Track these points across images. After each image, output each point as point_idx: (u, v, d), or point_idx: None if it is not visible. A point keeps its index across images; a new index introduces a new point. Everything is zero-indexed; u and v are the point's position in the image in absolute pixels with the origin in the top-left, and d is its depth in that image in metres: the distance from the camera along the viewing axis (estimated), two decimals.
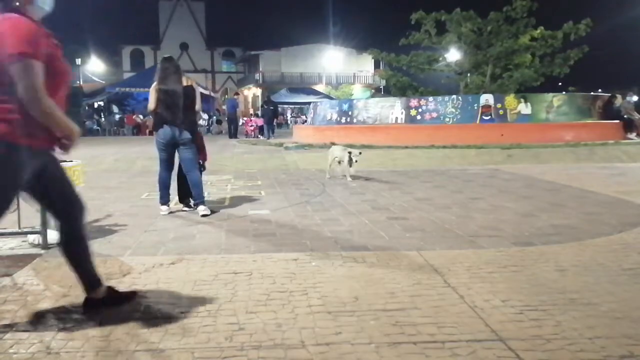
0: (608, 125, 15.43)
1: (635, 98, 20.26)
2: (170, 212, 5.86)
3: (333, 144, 15.04)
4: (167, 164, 5.88)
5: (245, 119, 26.12)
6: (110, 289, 3.05)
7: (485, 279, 3.44)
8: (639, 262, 3.82)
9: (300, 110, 45.17)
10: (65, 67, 2.68)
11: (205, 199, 6.04)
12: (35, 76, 2.43)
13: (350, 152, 8.49)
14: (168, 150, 5.78)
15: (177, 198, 6.24)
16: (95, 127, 31.56)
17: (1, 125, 2.45)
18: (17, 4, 2.53)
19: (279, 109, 36.29)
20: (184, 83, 5.73)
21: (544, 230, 4.87)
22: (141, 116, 30.50)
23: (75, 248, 2.90)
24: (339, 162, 8.69)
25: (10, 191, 2.60)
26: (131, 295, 3.13)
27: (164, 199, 5.91)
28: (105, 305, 2.95)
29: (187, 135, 5.71)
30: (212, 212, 5.87)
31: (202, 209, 5.78)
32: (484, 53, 18.22)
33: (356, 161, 8.43)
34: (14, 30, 2.42)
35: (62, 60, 2.65)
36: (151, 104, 5.70)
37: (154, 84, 5.65)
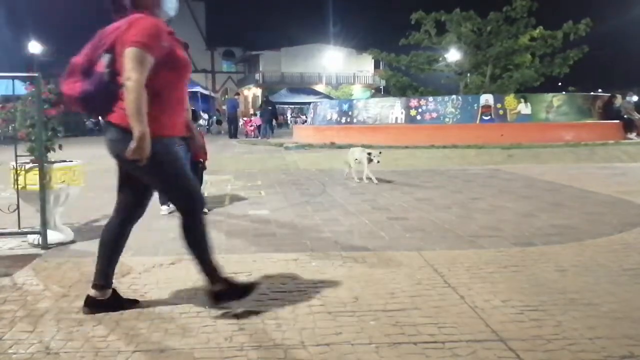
0: (608, 125, 15.43)
1: (635, 98, 20.27)
2: (170, 212, 5.85)
3: (332, 143, 15.09)
4: None
5: (245, 119, 26.13)
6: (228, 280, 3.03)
7: (486, 279, 3.44)
8: (639, 262, 3.81)
9: (300, 110, 45.19)
10: (186, 60, 2.92)
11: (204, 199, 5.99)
12: (142, 66, 2.59)
13: (369, 153, 8.20)
14: None
15: None
16: (96, 127, 31.52)
17: (154, 125, 2.65)
18: (145, 6, 2.81)
19: (280, 108, 36.36)
20: None
21: (544, 230, 4.86)
22: None
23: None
24: (359, 164, 8.41)
25: (185, 173, 2.92)
26: (251, 287, 3.09)
27: (164, 199, 5.90)
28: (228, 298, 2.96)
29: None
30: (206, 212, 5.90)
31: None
32: (484, 53, 18.22)
33: (378, 162, 8.11)
34: (139, 24, 2.66)
35: (183, 53, 2.87)
36: None
37: None
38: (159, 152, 2.70)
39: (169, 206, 5.89)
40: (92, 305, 2.91)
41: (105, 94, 2.71)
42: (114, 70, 2.69)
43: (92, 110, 2.98)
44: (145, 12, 2.77)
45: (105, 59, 2.71)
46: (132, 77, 2.56)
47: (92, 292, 2.92)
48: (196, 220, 2.99)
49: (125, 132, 2.64)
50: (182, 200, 2.97)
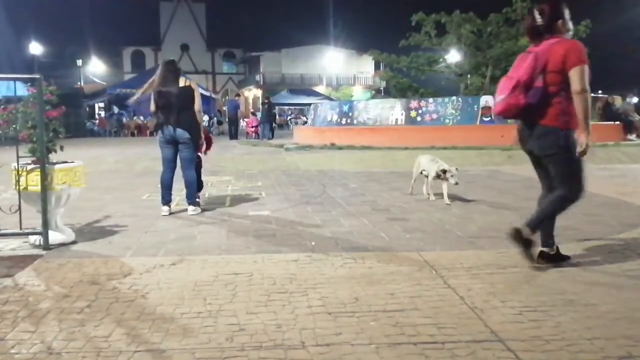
0: (608, 127, 15.44)
1: (635, 100, 20.27)
2: (171, 213, 5.88)
3: (333, 144, 15.10)
4: (168, 163, 5.96)
5: (246, 120, 26.18)
6: (558, 250, 3.84)
7: (485, 280, 3.46)
8: (638, 263, 3.83)
9: (301, 111, 45.20)
10: None
11: (205, 199, 6.31)
12: (587, 79, 3.46)
13: (445, 170, 6.39)
14: (169, 149, 5.91)
15: (178, 199, 6.30)
16: (95, 128, 31.61)
17: (572, 121, 3.55)
18: (559, 32, 3.59)
19: (281, 109, 36.48)
20: (182, 84, 5.82)
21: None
22: (142, 117, 30.55)
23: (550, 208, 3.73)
24: (427, 176, 6.76)
25: (582, 162, 3.65)
26: (566, 258, 3.85)
27: (166, 199, 5.91)
28: (551, 261, 3.74)
29: (184, 134, 5.79)
30: (203, 210, 6.06)
31: (191, 209, 5.92)
32: (484, 54, 18.24)
33: (456, 183, 6.35)
34: (574, 48, 3.47)
35: None
36: (151, 106, 5.92)
37: (150, 85, 5.87)
38: (573, 143, 3.53)
39: (170, 207, 5.91)
40: (546, 258, 3.73)
41: (542, 103, 3.52)
42: (546, 84, 3.52)
43: (528, 117, 3.64)
44: (559, 36, 3.57)
45: (541, 77, 3.52)
46: (586, 89, 3.44)
47: (545, 249, 3.76)
48: (568, 203, 3.67)
49: (550, 130, 3.55)
50: (573, 186, 3.61)
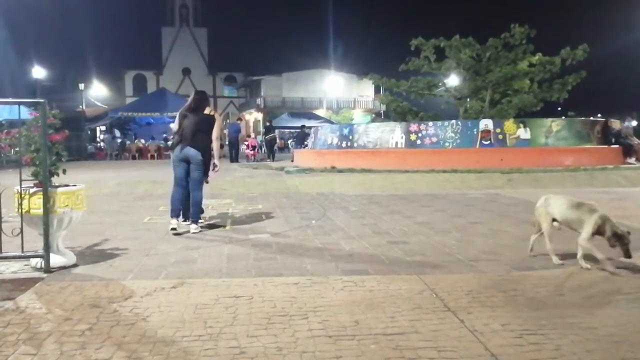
0: (607, 150, 15.50)
1: (634, 123, 20.38)
2: (177, 234, 6.00)
3: (333, 167, 15.15)
4: (180, 181, 6.35)
5: (246, 142, 26.36)
6: None
7: (485, 303, 3.46)
8: (638, 286, 3.83)
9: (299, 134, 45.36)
10: None
11: (206, 222, 6.62)
12: None
13: (604, 220, 4.19)
14: (181, 167, 6.32)
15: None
16: (96, 151, 31.70)
17: None
18: None
19: (283, 132, 37.23)
20: (207, 112, 6.41)
21: (543, 254, 4.87)
22: (142, 140, 30.67)
23: None
24: (559, 228, 4.61)
25: None
26: None
27: (174, 213, 6.22)
28: None
29: (197, 155, 6.25)
30: (212, 226, 6.53)
31: (193, 228, 6.19)
32: (483, 79, 18.38)
33: (628, 258, 4.09)
34: None
35: None
36: (175, 126, 6.47)
37: (181, 109, 6.48)
38: None
39: (178, 220, 6.18)
40: None
41: None
42: None
43: None
44: None
45: None
46: None
47: None
48: None
49: None
50: None
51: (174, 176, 6.37)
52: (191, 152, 6.21)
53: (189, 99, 6.50)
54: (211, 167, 6.53)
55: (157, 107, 30.09)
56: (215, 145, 6.45)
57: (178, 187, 6.31)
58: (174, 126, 6.52)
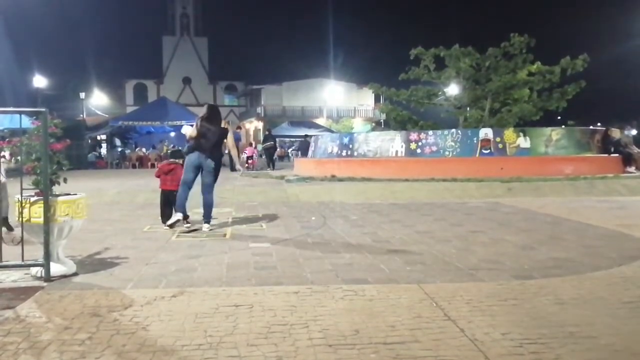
0: (607, 159, 15.51)
1: (633, 132, 20.41)
2: (211, 230, 6.83)
3: (333, 176, 15.16)
4: (189, 184, 7.03)
5: (246, 151, 26.41)
6: None
7: (486, 312, 3.46)
8: (638, 296, 3.83)
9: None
10: None
11: (206, 231, 6.86)
12: None
13: None
14: (193, 173, 7.01)
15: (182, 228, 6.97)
16: (96, 160, 31.71)
17: None
18: None
19: (283, 141, 37.47)
20: (222, 125, 7.12)
21: (543, 263, 4.88)
22: (144, 149, 30.71)
23: None
24: None
25: None
26: None
27: (181, 208, 6.94)
28: None
29: (211, 163, 6.99)
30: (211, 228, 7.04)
31: (206, 227, 6.93)
32: (483, 88, 18.43)
33: None
34: None
35: None
36: (193, 132, 7.05)
37: (199, 119, 7.11)
38: None
39: (181, 214, 6.92)
40: None
41: None
42: None
43: None
44: None
45: None
46: None
47: None
48: None
49: None
50: None
51: (184, 178, 7.00)
52: (208, 161, 6.96)
53: (206, 110, 7.13)
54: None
55: (158, 116, 30.14)
56: (233, 152, 7.84)
57: (186, 187, 7.00)
58: (189, 132, 7.12)
